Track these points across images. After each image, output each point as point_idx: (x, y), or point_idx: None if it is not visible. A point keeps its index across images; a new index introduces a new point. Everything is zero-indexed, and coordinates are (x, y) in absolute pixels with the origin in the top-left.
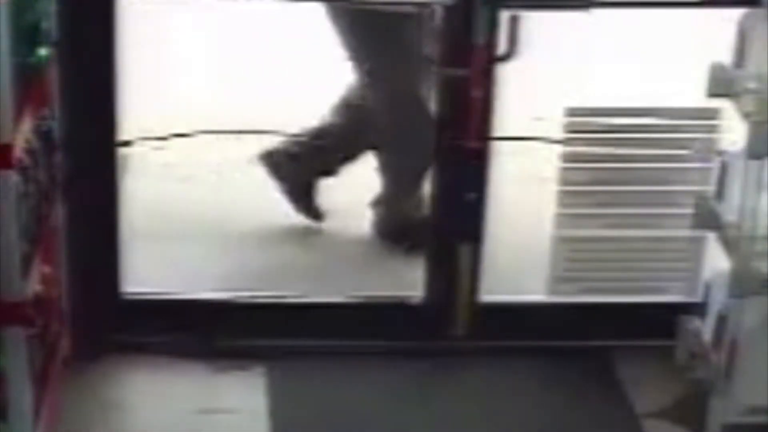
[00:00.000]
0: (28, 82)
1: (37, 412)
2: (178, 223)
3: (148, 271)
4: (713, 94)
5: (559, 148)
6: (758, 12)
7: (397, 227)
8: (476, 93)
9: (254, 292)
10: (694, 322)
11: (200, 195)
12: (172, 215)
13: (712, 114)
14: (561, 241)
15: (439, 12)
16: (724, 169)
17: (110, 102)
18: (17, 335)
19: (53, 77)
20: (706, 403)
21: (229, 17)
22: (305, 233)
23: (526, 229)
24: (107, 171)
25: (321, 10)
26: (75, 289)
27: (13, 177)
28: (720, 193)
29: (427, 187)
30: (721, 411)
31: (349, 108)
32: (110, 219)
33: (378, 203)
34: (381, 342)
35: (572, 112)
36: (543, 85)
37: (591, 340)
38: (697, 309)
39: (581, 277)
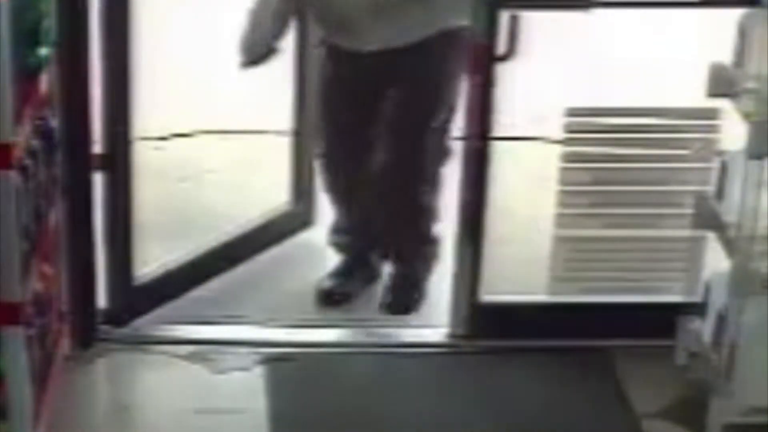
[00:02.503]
0: (28, 82)
1: (37, 412)
2: (177, 222)
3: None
4: (713, 94)
5: (559, 148)
6: (758, 12)
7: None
8: (476, 93)
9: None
10: (694, 322)
11: (200, 195)
12: (171, 215)
13: (712, 114)
14: (561, 241)
15: None
16: (724, 169)
17: (111, 102)
18: (17, 335)
19: (53, 77)
20: (706, 403)
21: (231, 16)
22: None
23: (526, 229)
24: (108, 170)
25: None
26: (75, 288)
27: (13, 177)
28: (720, 193)
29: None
30: (721, 411)
31: None
32: (114, 217)
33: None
34: (381, 341)
35: (572, 112)
36: (543, 85)
37: (591, 339)
38: (697, 309)
39: (581, 277)
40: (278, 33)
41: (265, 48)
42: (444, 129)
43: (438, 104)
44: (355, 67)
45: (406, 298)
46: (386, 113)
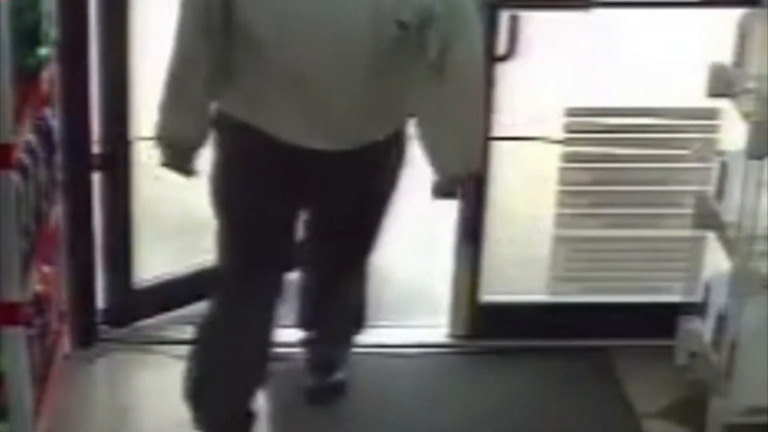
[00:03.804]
0: (28, 82)
1: (37, 412)
2: (177, 222)
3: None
4: (713, 94)
5: (559, 148)
6: (758, 12)
7: None
8: None
9: None
10: (694, 322)
11: (199, 195)
12: (171, 214)
13: (712, 114)
14: (561, 241)
15: None
16: (724, 169)
17: (111, 102)
18: (17, 335)
19: (53, 77)
20: (706, 403)
21: None
22: None
23: (526, 229)
24: (108, 170)
25: None
26: (75, 288)
27: (13, 177)
28: (720, 193)
29: None
30: (721, 411)
31: None
32: (115, 217)
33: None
34: (381, 341)
35: (572, 112)
36: (543, 85)
37: (591, 339)
38: (697, 309)
39: (581, 277)
40: (202, 139)
41: (184, 160)
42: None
43: (380, 221)
44: (283, 167)
45: (333, 380)
46: (314, 238)
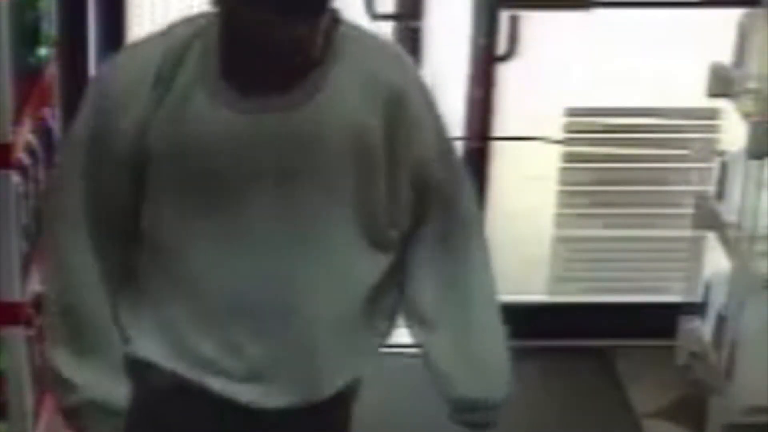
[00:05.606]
0: (28, 82)
1: (37, 412)
2: None
3: None
4: (713, 94)
5: (559, 148)
6: (758, 12)
7: None
8: (476, 93)
9: None
10: (694, 322)
11: None
12: None
13: (712, 114)
14: (561, 241)
15: None
16: (724, 169)
17: None
18: (17, 335)
19: (53, 77)
20: (706, 403)
21: None
22: None
23: (526, 229)
24: None
25: None
26: None
27: (13, 177)
28: (720, 193)
29: None
30: (721, 411)
31: None
32: None
33: None
34: None
35: (572, 112)
36: (543, 85)
37: (591, 339)
38: (697, 309)
39: (581, 277)
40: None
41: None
42: None
43: None
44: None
45: None
46: None
